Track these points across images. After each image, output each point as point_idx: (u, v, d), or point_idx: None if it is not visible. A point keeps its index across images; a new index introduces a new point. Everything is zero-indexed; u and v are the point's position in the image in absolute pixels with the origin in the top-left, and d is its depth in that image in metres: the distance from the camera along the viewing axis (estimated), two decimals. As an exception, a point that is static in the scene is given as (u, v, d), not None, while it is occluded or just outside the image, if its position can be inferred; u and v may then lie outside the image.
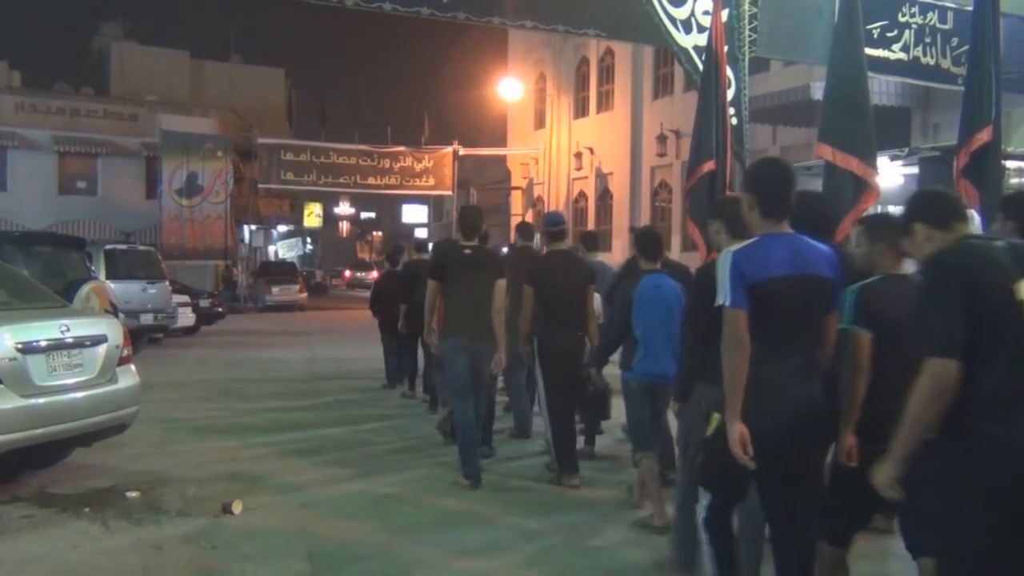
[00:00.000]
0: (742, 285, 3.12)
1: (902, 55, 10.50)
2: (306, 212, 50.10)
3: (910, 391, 2.66)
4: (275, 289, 29.68)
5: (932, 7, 10.72)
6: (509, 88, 30.35)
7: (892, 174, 11.63)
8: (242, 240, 33.64)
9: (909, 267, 3.46)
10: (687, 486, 4.16)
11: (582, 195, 28.38)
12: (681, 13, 9.31)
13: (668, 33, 9.32)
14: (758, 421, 3.09)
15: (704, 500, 3.69)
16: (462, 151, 29.21)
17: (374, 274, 37.36)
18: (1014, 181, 13.02)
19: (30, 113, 27.58)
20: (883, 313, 3.29)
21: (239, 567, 4.40)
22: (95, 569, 4.39)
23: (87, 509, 5.25)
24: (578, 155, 27.63)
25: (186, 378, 11.53)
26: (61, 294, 7.41)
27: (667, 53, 17.95)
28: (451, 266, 6.09)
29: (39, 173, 27.30)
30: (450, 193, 29.46)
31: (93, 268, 11.97)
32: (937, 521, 2.69)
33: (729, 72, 8.82)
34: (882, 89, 14.05)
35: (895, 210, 5.12)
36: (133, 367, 6.32)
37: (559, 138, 29.06)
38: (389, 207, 64.23)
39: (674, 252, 19.27)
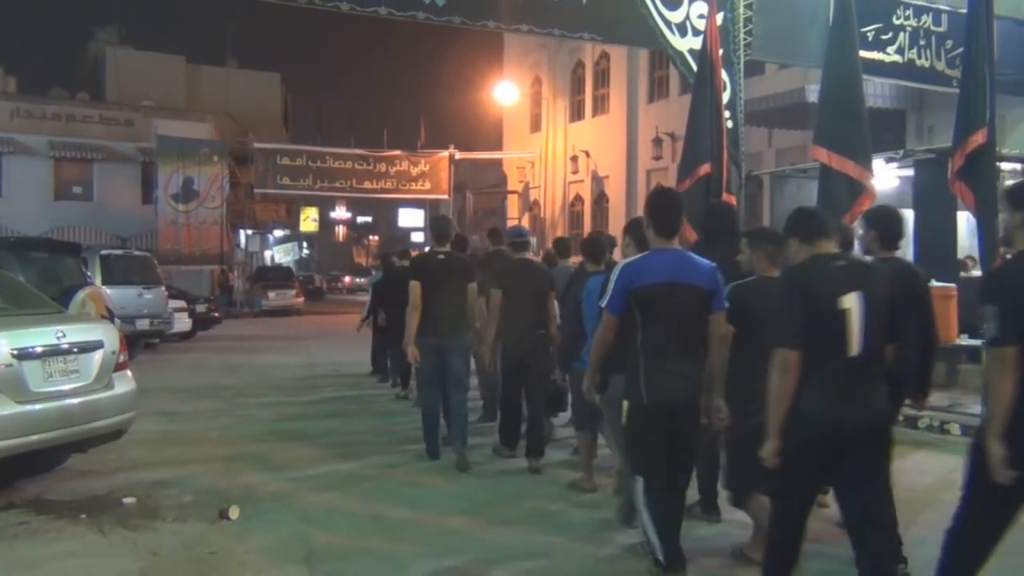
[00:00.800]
0: (624, 290, 4.00)
1: (897, 57, 10.53)
2: (302, 216, 50.07)
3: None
4: (271, 294, 29.71)
5: (927, 10, 10.76)
6: (505, 92, 30.38)
7: (887, 176, 11.64)
8: (238, 245, 33.60)
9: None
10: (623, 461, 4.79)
11: (578, 198, 28.40)
12: (676, 16, 9.33)
13: (663, 36, 9.35)
14: (650, 396, 3.96)
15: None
16: (458, 155, 29.21)
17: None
18: (1009, 183, 13.05)
19: (26, 119, 27.53)
20: (752, 308, 4.12)
21: (236, 572, 4.39)
22: None
23: (84, 515, 5.23)
24: (574, 158, 27.65)
25: (182, 383, 11.50)
26: (57, 300, 7.40)
27: (662, 56, 17.99)
28: (427, 271, 6.77)
29: (35, 179, 27.25)
30: (446, 197, 29.45)
31: (89, 274, 11.97)
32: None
33: (725, 75, 8.86)
34: (877, 91, 14.08)
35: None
36: (129, 373, 6.31)
37: (555, 142, 29.08)
38: (385, 211, 64.23)
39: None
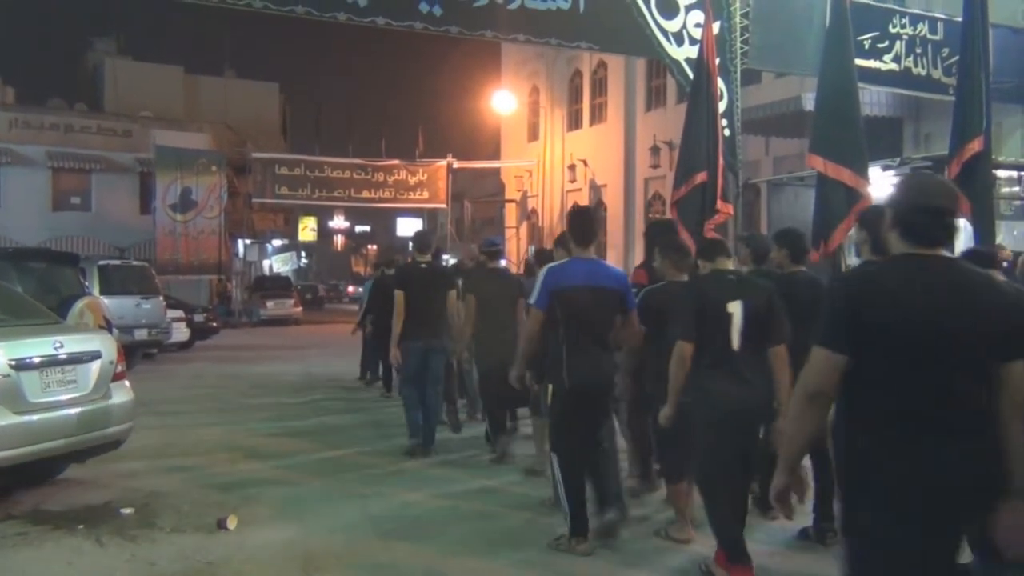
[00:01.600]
0: (547, 291, 4.74)
1: (893, 66, 10.56)
2: (300, 226, 50.05)
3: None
4: (270, 303, 29.69)
5: (923, 18, 10.80)
6: (503, 101, 30.46)
7: (884, 184, 11.65)
8: (236, 255, 33.57)
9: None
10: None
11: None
12: (673, 26, 9.35)
13: (660, 46, 9.37)
14: (570, 379, 4.71)
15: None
16: (456, 164, 29.27)
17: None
18: (1005, 190, 13.09)
19: (24, 129, 27.57)
20: (659, 309, 4.84)
21: (234, 583, 4.38)
22: (89, 586, 4.37)
23: (81, 526, 5.21)
24: (572, 167, 27.68)
25: (180, 394, 11.48)
26: (55, 310, 7.40)
27: (660, 65, 18.03)
28: (411, 280, 7.37)
29: (33, 189, 27.28)
30: (444, 206, 29.50)
31: (87, 284, 11.96)
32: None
33: (721, 84, 8.87)
34: (873, 99, 14.12)
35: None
36: (127, 383, 6.30)
37: (553, 150, 29.13)
38: (383, 220, 64.21)
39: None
